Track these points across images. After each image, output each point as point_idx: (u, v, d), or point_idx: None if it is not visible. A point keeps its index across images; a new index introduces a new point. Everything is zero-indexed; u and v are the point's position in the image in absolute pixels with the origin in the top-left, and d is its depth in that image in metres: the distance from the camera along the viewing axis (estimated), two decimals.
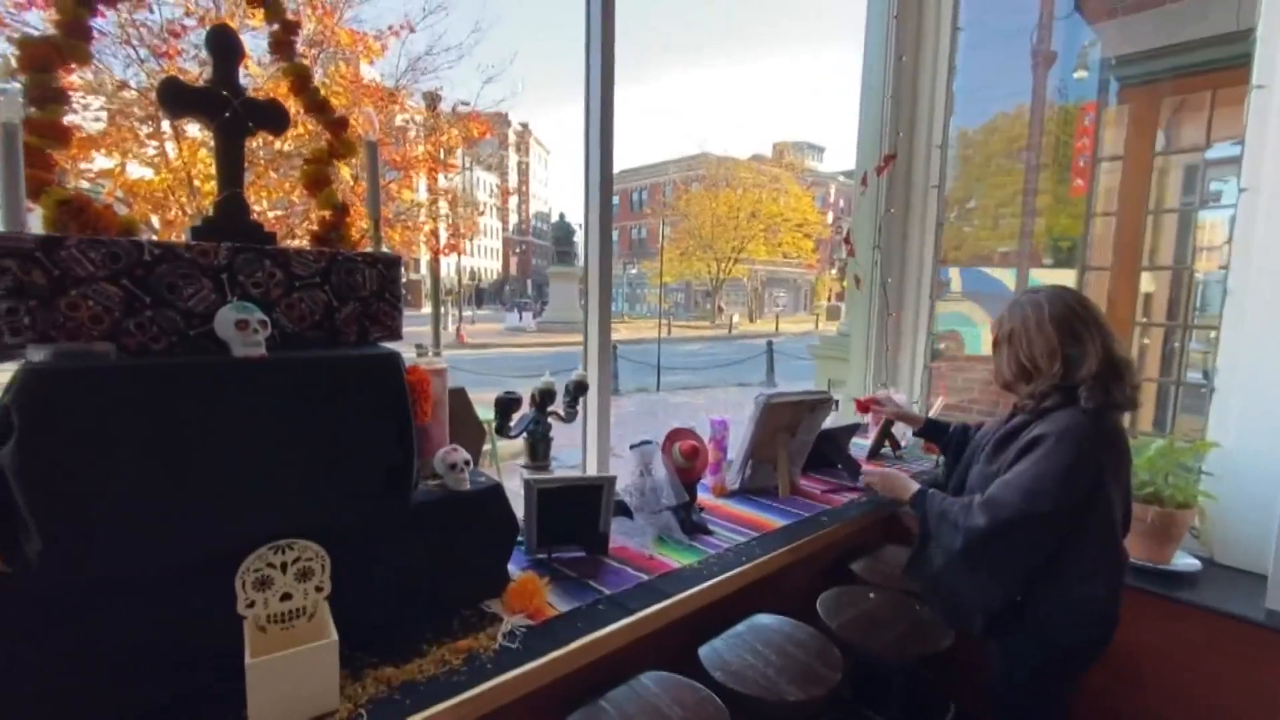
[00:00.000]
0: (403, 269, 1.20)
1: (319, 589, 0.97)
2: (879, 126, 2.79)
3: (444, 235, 9.51)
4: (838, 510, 1.85)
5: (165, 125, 5.33)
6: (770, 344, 12.93)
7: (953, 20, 2.75)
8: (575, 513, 1.41)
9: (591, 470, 1.91)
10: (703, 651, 1.37)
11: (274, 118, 1.05)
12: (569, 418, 1.65)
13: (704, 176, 33.71)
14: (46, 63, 0.87)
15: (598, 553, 1.45)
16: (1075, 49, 3.46)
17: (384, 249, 1.19)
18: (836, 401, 2.00)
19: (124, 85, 4.81)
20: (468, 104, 7.81)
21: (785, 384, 11.59)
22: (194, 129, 5.33)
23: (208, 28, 5.25)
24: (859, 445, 2.37)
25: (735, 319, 29.93)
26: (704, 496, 1.83)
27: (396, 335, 1.17)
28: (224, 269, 0.96)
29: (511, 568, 1.30)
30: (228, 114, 1.00)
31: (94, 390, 0.80)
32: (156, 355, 0.91)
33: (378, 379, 1.04)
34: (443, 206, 9.65)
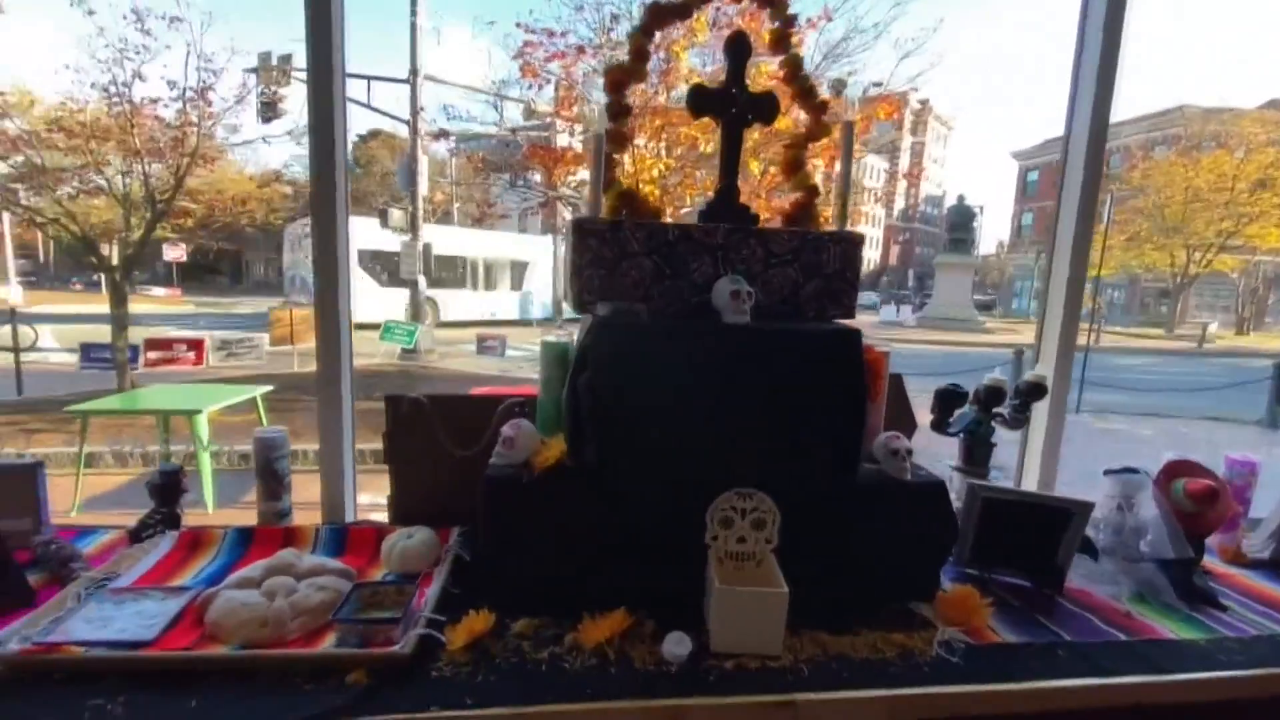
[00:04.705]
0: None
1: (768, 541, 1.06)
2: None
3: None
4: None
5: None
6: None
7: None
8: (1024, 535, 1.21)
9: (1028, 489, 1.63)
10: None
11: (768, 109, 1.16)
12: (1015, 424, 1.43)
13: (1178, 137, 25.42)
14: (619, 84, 1.12)
15: (1048, 588, 1.22)
16: None
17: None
18: None
19: None
20: (880, 84, 7.52)
21: None
22: (640, 142, 6.48)
23: (660, 52, 6.31)
24: None
25: (1212, 328, 21.86)
26: (1208, 559, 1.37)
27: (850, 314, 1.18)
28: (720, 247, 1.11)
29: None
30: (734, 109, 1.14)
31: (637, 340, 1.02)
32: (668, 317, 1.10)
33: (840, 354, 1.06)
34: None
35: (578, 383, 1.03)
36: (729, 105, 1.13)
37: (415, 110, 10.71)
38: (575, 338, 1.21)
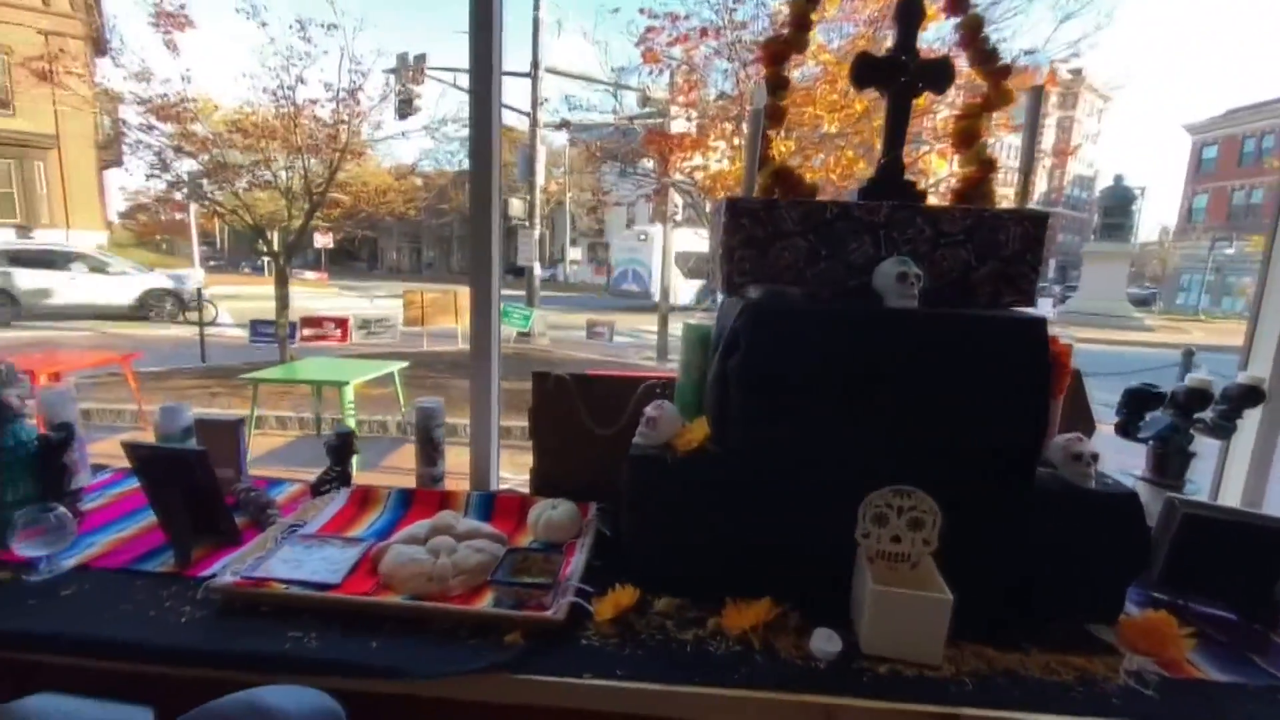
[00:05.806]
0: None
1: (926, 542, 0.99)
2: None
3: None
4: None
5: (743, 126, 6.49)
6: None
7: None
8: (1233, 560, 1.05)
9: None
10: None
11: (940, 76, 1.07)
12: (1221, 432, 1.24)
13: None
14: (780, 56, 1.07)
15: (1261, 623, 1.05)
16: None
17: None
18: None
19: (722, 95, 6.01)
20: (1033, 52, 6.80)
21: None
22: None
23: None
24: None
25: None
26: None
27: (1030, 301, 1.07)
28: (882, 225, 1.04)
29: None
30: (903, 79, 1.06)
31: (791, 323, 0.98)
32: (825, 300, 1.05)
33: (1022, 345, 0.96)
34: None
35: (727, 366, 1.01)
36: (898, 74, 1.05)
37: (536, 103, 11.09)
38: (715, 321, 1.19)
